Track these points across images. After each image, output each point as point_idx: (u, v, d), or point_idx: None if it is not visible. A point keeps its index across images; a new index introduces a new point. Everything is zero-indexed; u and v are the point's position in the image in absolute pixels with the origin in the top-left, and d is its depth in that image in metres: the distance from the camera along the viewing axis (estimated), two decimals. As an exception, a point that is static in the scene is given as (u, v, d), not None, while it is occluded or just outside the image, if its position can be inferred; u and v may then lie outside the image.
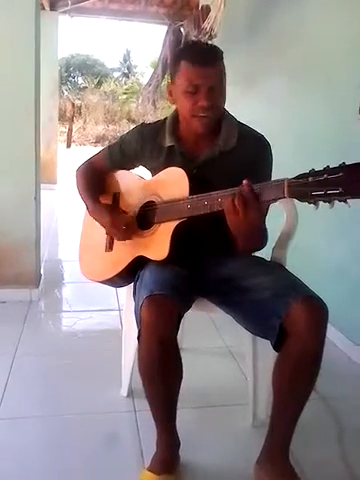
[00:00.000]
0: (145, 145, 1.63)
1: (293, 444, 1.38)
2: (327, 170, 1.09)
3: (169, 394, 1.41)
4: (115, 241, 1.64)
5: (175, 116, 1.60)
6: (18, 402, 1.82)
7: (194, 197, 1.40)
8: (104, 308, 2.75)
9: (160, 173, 1.58)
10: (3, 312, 2.60)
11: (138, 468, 1.47)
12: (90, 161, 1.81)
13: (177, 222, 1.45)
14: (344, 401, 1.91)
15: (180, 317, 1.36)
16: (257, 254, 1.72)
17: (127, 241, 1.59)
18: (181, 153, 1.56)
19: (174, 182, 1.50)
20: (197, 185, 1.44)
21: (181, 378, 1.39)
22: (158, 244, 1.48)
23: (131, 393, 1.87)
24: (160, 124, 1.64)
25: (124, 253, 1.60)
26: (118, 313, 2.65)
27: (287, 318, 1.29)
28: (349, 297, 2.30)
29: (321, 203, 1.10)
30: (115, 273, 1.60)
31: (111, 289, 2.96)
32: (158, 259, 1.46)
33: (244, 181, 1.25)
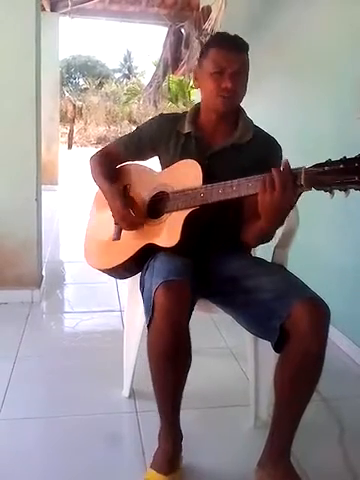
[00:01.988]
0: (164, 131, 1.66)
1: (295, 445, 1.38)
2: (343, 160, 1.15)
3: (177, 382, 1.40)
4: (123, 230, 1.64)
5: (197, 107, 1.67)
6: (20, 403, 1.82)
7: (208, 186, 1.42)
8: (106, 309, 2.76)
9: (172, 166, 1.60)
10: (5, 313, 2.60)
11: (140, 469, 1.46)
12: (106, 148, 1.82)
13: (189, 210, 1.46)
14: (346, 402, 1.91)
15: (193, 303, 1.36)
16: (258, 254, 1.73)
17: (136, 230, 1.59)
18: (197, 141, 1.60)
19: (187, 173, 1.52)
20: (208, 176, 1.46)
21: (189, 367, 1.39)
22: (169, 232, 1.49)
23: (133, 394, 1.87)
24: (180, 114, 1.71)
25: (132, 242, 1.59)
26: (120, 314, 2.65)
27: (289, 319, 1.28)
28: (351, 298, 2.30)
29: (336, 192, 1.16)
30: (122, 261, 1.58)
31: (113, 290, 2.99)
32: (168, 246, 1.46)
33: (284, 159, 1.28)
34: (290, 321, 1.28)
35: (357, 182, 1.11)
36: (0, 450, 1.58)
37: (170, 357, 1.34)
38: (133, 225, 1.59)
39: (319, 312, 1.29)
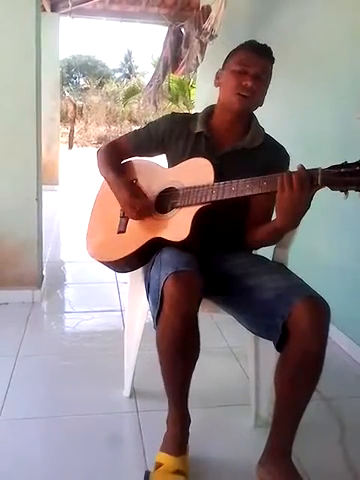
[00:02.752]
0: (175, 128, 1.67)
1: (295, 444, 1.38)
2: (359, 162, 1.20)
3: (187, 370, 1.42)
4: (129, 223, 1.64)
5: (210, 109, 1.69)
6: (20, 403, 1.82)
7: (220, 183, 1.44)
8: (106, 309, 2.76)
9: (182, 163, 1.61)
10: (5, 313, 2.60)
11: (141, 468, 1.47)
12: (114, 141, 1.83)
13: (201, 206, 1.46)
14: (346, 401, 1.91)
15: (202, 294, 1.37)
16: (259, 253, 1.73)
17: (143, 224, 1.59)
18: (207, 140, 1.61)
19: (198, 170, 1.53)
20: (217, 174, 1.48)
21: (198, 354, 1.40)
22: (178, 226, 1.49)
23: (133, 394, 1.87)
24: (192, 115, 1.74)
25: (139, 235, 1.58)
26: (120, 314, 2.65)
27: (289, 318, 1.29)
28: (352, 297, 2.30)
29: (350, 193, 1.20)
30: (126, 254, 1.57)
31: (113, 290, 2.99)
32: (177, 240, 1.46)
33: (298, 165, 1.30)
34: (291, 320, 1.28)
35: None
36: (0, 450, 1.58)
37: (179, 348, 1.35)
38: (142, 213, 1.58)
39: (319, 311, 1.29)
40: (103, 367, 2.08)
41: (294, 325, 1.29)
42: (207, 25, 3.76)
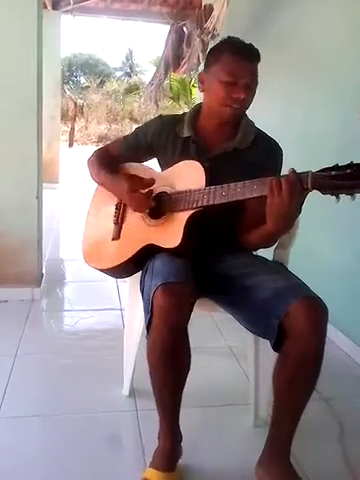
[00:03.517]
0: (162, 133, 1.64)
1: (294, 444, 1.38)
2: (351, 165, 1.15)
3: (177, 384, 1.40)
4: (123, 230, 1.63)
5: (196, 109, 1.64)
6: (20, 401, 1.82)
7: (211, 188, 1.41)
8: (106, 307, 2.75)
9: (174, 166, 1.58)
10: (5, 311, 2.60)
11: (140, 467, 1.46)
12: (104, 148, 1.82)
13: (192, 211, 1.45)
14: (345, 401, 1.91)
15: (192, 306, 1.36)
16: (259, 253, 1.73)
17: (136, 230, 1.58)
18: (196, 145, 1.58)
19: (190, 174, 1.51)
20: (209, 178, 1.45)
21: (188, 369, 1.39)
22: (170, 233, 1.48)
23: (133, 392, 1.87)
24: (180, 116, 1.67)
25: (133, 241, 1.58)
26: (120, 312, 2.65)
27: (286, 319, 1.28)
28: (352, 298, 2.30)
29: (342, 196, 1.16)
30: (121, 261, 1.58)
31: (113, 288, 2.99)
32: (170, 247, 1.46)
33: (290, 169, 1.27)
34: (288, 320, 1.28)
35: None
36: None
37: (169, 360, 1.34)
38: (144, 203, 1.54)
39: (316, 311, 1.28)
40: (102, 366, 2.07)
41: (291, 325, 1.28)
42: (209, 24, 3.76)
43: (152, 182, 1.55)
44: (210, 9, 3.90)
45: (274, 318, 1.30)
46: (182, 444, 1.47)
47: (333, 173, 1.17)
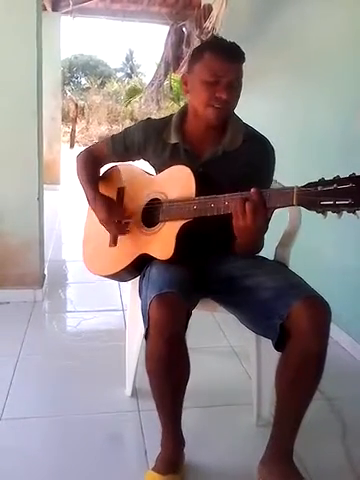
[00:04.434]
0: (149, 140, 1.62)
1: (297, 444, 1.38)
2: (337, 180, 1.10)
3: (176, 393, 1.40)
4: (119, 236, 1.63)
5: (182, 113, 1.61)
6: (22, 402, 1.82)
7: (201, 198, 1.40)
8: (108, 308, 2.75)
9: (166, 171, 1.57)
10: (7, 312, 2.60)
11: (142, 468, 1.46)
12: (92, 148, 1.82)
13: (183, 222, 1.44)
14: (348, 401, 1.90)
15: (189, 315, 1.35)
16: (261, 253, 1.72)
17: (132, 238, 1.59)
18: (186, 151, 1.56)
19: (180, 181, 1.49)
20: (202, 184, 1.44)
21: (188, 377, 1.39)
22: (163, 243, 1.48)
23: (135, 393, 1.87)
24: (166, 120, 1.63)
25: (128, 249, 1.59)
26: (122, 313, 2.65)
27: (289, 318, 1.28)
28: (354, 296, 2.29)
29: (329, 213, 1.11)
30: (119, 269, 1.60)
31: (115, 289, 2.99)
32: (163, 258, 1.46)
33: (253, 189, 1.25)
34: (290, 320, 1.28)
35: (350, 205, 1.06)
36: (2, 449, 1.58)
37: (166, 370, 1.34)
38: (116, 233, 1.61)
39: (319, 311, 1.28)
40: (105, 366, 2.07)
41: (294, 325, 1.28)
42: (208, 24, 3.75)
43: (129, 216, 1.60)
44: (209, 9, 3.90)
45: (276, 318, 1.30)
46: (184, 452, 1.47)
47: (319, 188, 1.11)
